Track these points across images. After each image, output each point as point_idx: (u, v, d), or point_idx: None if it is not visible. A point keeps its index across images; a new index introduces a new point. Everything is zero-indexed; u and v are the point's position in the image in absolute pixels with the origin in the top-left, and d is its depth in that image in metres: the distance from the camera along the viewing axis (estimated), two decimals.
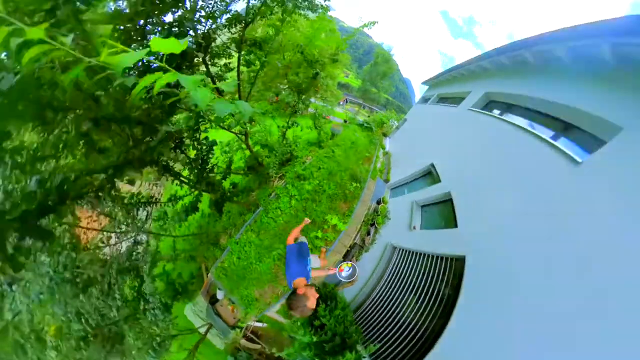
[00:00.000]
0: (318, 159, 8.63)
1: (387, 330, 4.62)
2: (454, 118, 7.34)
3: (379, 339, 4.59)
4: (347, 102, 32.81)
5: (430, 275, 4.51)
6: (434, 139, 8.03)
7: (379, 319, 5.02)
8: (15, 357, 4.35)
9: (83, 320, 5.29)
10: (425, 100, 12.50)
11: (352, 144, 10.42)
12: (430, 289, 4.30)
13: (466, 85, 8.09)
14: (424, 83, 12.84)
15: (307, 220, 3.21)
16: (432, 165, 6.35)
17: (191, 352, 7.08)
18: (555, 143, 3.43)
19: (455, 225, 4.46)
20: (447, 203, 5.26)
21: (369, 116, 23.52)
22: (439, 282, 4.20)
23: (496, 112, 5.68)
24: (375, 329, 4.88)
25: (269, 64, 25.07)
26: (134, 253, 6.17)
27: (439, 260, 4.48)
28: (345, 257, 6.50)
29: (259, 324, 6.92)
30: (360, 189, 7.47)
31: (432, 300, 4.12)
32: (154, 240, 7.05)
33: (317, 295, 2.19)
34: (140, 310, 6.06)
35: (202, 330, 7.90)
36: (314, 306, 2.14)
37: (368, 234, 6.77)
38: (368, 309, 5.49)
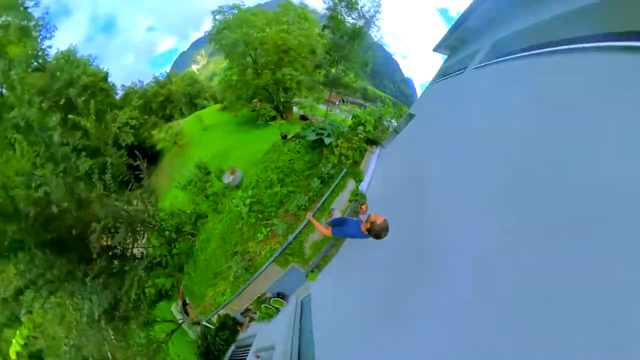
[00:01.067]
0: None
1: None
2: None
3: None
4: (343, 101, 31.93)
5: None
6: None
7: None
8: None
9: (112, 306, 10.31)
10: (447, 73, 7.13)
11: (229, 226, 7.66)
12: None
13: None
14: (437, 49, 8.52)
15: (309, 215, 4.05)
16: None
17: (168, 334, 11.93)
18: None
19: None
20: None
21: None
22: None
23: None
24: None
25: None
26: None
27: None
28: None
29: (209, 325, 11.35)
30: None
31: None
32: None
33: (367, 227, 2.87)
34: (140, 304, 10.99)
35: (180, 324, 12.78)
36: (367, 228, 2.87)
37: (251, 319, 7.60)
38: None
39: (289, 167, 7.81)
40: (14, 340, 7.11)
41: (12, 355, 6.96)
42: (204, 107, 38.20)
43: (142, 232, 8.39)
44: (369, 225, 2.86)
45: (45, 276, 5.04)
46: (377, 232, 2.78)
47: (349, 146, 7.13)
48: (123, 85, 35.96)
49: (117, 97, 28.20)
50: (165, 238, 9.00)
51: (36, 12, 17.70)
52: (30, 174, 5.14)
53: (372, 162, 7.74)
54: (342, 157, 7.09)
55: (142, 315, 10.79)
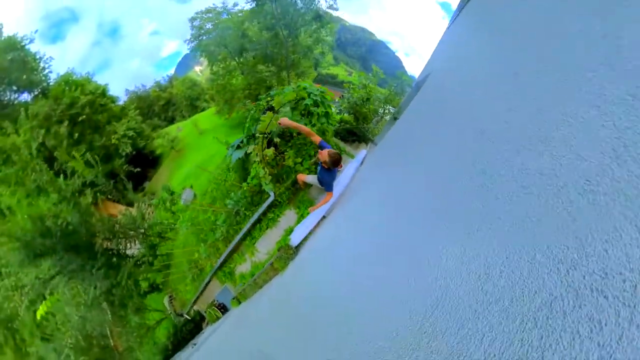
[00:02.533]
0: None
1: None
2: None
3: None
4: (343, 97, 33.60)
5: None
6: None
7: None
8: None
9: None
10: None
11: (186, 238, 9.36)
12: None
13: None
14: None
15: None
16: None
17: (157, 322, 15.94)
18: None
19: None
20: None
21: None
22: None
23: None
24: None
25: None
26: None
27: None
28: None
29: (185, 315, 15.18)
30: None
31: None
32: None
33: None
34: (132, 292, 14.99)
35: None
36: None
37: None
38: None
39: (218, 189, 7.52)
40: (40, 308, 11.36)
41: (38, 316, 11.49)
42: (204, 110, 42.05)
43: (131, 238, 12.14)
44: (329, 163, 3.80)
45: (67, 268, 8.80)
46: (335, 159, 3.78)
47: (273, 154, 4.89)
48: (127, 90, 41.00)
49: (121, 102, 32.56)
50: (150, 242, 12.71)
51: (33, 48, 23.49)
52: (55, 210, 9.06)
53: (345, 178, 4.80)
54: (263, 178, 4.88)
55: (135, 303, 14.80)
